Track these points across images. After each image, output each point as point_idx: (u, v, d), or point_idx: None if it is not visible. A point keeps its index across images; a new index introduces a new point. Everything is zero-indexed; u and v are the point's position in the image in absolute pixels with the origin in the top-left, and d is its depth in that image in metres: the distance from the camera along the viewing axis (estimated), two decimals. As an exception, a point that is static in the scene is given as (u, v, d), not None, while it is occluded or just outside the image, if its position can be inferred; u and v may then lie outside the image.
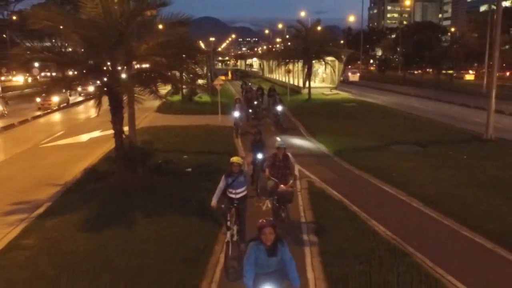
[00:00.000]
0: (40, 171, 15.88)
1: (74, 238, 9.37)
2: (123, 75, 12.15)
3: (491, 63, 41.69)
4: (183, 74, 13.27)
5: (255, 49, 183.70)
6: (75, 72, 12.69)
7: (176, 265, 8.21)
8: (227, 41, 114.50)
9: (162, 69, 12.56)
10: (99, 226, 9.89)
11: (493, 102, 20.17)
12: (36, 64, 71.27)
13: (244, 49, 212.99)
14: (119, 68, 12.29)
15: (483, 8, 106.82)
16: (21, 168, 16.47)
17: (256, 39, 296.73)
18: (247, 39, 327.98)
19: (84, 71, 12.03)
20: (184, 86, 11.82)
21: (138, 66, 13.50)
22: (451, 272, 8.06)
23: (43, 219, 10.53)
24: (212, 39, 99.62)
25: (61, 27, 11.89)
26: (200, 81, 14.41)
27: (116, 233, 9.59)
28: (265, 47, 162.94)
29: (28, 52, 12.47)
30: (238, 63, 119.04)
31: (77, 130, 24.55)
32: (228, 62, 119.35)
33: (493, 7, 50.51)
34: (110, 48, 11.99)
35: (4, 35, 65.88)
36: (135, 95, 11.59)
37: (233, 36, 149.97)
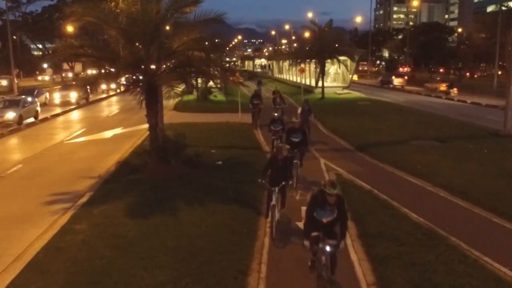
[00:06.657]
0: (72, 164, 16.35)
1: (123, 223, 9.83)
2: (161, 69, 12.60)
3: (500, 63, 42.25)
4: (217, 69, 13.69)
5: (260, 50, 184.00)
6: (113, 68, 13.17)
7: (225, 247, 8.66)
8: (234, 42, 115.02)
9: (197, 64, 13.03)
10: (144, 213, 10.36)
11: (511, 100, 20.57)
12: (45, 65, 71.93)
13: (249, 50, 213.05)
14: (156, 63, 12.77)
15: (490, 8, 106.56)
16: (53, 162, 16.94)
17: (261, 40, 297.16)
18: (252, 40, 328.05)
19: (125, 66, 12.52)
20: (216, 82, 12.15)
21: (173, 61, 13.95)
22: (487, 253, 8.45)
23: (89, 207, 10.99)
24: (217, 40, 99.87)
25: (101, 23, 12.38)
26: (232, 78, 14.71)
27: (162, 218, 10.05)
28: (270, 48, 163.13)
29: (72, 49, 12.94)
30: (246, 63, 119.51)
31: (98, 128, 25.09)
32: (236, 63, 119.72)
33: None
34: (147, 43, 12.49)
35: (14, 37, 66.59)
36: (173, 87, 12.04)
37: (240, 37, 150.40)
